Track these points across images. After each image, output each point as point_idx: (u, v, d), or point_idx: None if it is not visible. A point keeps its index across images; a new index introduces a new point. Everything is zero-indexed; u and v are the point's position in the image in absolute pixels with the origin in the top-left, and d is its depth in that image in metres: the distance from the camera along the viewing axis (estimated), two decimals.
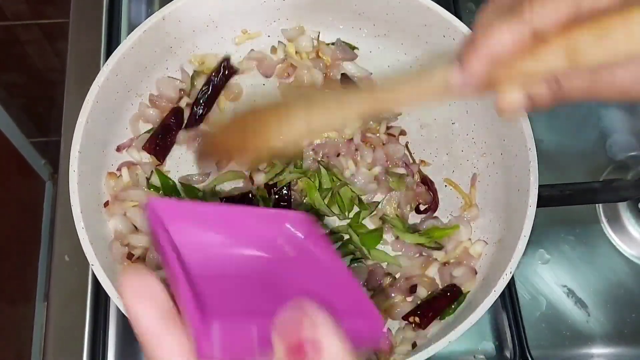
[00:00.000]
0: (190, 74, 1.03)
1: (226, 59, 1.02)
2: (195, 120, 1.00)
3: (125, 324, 0.92)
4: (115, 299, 0.81)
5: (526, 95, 0.55)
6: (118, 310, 0.81)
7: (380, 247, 0.95)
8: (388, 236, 0.97)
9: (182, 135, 1.00)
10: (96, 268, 0.82)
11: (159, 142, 0.98)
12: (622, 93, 0.54)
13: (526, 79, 0.54)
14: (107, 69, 0.91)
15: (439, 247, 0.94)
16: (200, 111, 1.00)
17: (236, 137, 0.74)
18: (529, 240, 0.84)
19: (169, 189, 0.96)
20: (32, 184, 2.07)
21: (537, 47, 0.51)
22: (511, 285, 0.94)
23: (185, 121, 1.01)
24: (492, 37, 0.52)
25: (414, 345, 0.87)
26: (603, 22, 0.49)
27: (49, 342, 0.92)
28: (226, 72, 1.02)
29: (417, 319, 0.88)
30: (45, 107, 1.93)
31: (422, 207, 0.98)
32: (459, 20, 0.96)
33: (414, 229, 0.96)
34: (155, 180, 0.97)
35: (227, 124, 0.79)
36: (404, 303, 0.91)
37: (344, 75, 1.04)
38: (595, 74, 0.54)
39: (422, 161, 1.01)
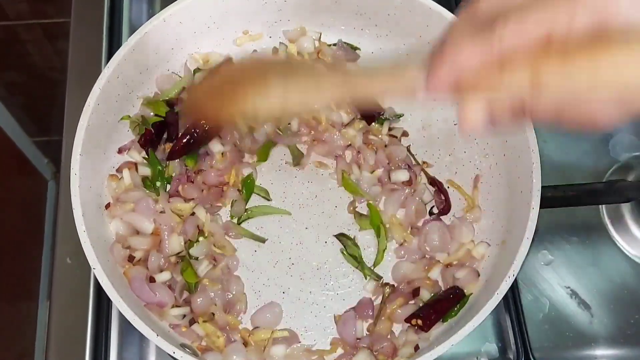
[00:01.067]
0: (192, 70, 1.03)
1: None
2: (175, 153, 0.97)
3: (126, 326, 0.92)
4: (116, 302, 0.80)
5: (488, 111, 0.56)
6: (120, 312, 0.81)
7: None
8: (391, 244, 0.97)
9: (160, 152, 0.99)
10: (98, 271, 0.82)
11: (153, 137, 0.97)
12: (588, 124, 0.54)
13: (488, 97, 0.55)
14: (108, 71, 0.91)
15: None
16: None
17: (216, 97, 0.75)
18: (532, 241, 0.84)
19: (158, 175, 0.96)
20: (34, 183, 2.07)
21: (501, 70, 0.52)
22: (514, 287, 0.94)
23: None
24: (459, 54, 0.54)
25: (416, 347, 0.87)
26: (569, 57, 0.50)
27: (52, 345, 0.93)
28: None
29: (419, 322, 0.88)
30: (47, 106, 1.92)
31: (435, 210, 0.98)
32: None
33: None
34: (144, 170, 0.96)
35: (209, 80, 0.81)
36: (406, 306, 0.91)
37: None
38: (559, 103, 0.53)
39: (424, 162, 1.01)
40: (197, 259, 0.93)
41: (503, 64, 0.52)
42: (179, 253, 0.92)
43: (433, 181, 0.99)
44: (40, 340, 1.86)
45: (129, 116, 0.98)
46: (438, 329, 0.89)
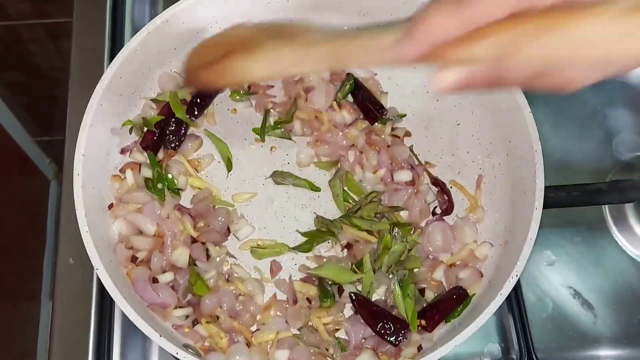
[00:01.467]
0: None
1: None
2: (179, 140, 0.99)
3: (129, 326, 0.92)
4: (119, 302, 0.81)
5: (462, 75, 0.58)
6: (123, 312, 0.81)
7: None
8: None
9: (161, 153, 0.99)
10: (101, 272, 0.82)
11: (154, 139, 0.97)
12: (562, 87, 0.57)
13: (462, 63, 0.57)
14: (110, 71, 0.91)
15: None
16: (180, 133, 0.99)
17: (212, 61, 0.79)
18: (535, 242, 0.84)
19: (158, 177, 0.96)
20: (36, 182, 2.07)
21: (473, 38, 0.54)
22: (517, 287, 0.94)
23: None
24: (435, 22, 0.55)
25: (419, 348, 0.87)
26: (545, 27, 0.52)
27: (54, 345, 0.93)
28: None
29: (423, 322, 0.88)
30: (49, 105, 1.92)
31: (438, 210, 0.98)
32: None
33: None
34: (147, 172, 0.96)
35: (206, 46, 0.86)
36: None
37: (349, 75, 1.04)
38: (535, 70, 0.56)
39: (427, 162, 1.01)
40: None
41: (478, 32, 0.54)
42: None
43: (436, 181, 0.99)
44: (42, 340, 1.86)
45: (131, 121, 0.98)
46: (441, 329, 0.89)
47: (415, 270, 0.93)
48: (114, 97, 0.93)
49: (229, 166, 1.00)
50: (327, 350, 0.88)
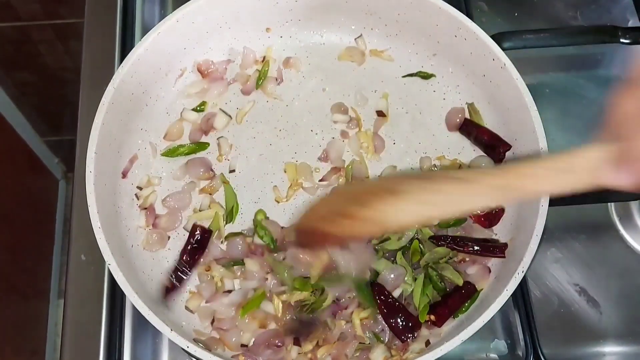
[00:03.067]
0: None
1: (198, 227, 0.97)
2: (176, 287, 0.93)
3: (140, 321, 0.93)
4: (131, 297, 0.82)
5: None
6: (134, 308, 0.83)
7: None
8: None
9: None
10: (113, 267, 0.83)
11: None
12: None
13: None
14: (122, 71, 0.92)
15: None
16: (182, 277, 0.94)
17: (339, 216, 0.70)
18: (540, 239, 0.84)
19: None
20: (44, 181, 2.09)
21: None
22: (523, 284, 0.94)
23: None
24: None
25: (427, 343, 0.88)
26: None
27: (66, 340, 0.94)
28: (199, 236, 0.96)
29: (433, 318, 0.89)
30: (58, 105, 1.94)
31: None
32: (471, 20, 0.96)
33: None
34: None
35: (327, 201, 0.75)
36: None
37: None
38: None
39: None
40: None
41: None
42: None
43: None
44: (51, 337, 1.88)
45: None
46: (448, 325, 0.90)
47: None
48: (125, 96, 0.94)
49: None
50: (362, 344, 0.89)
